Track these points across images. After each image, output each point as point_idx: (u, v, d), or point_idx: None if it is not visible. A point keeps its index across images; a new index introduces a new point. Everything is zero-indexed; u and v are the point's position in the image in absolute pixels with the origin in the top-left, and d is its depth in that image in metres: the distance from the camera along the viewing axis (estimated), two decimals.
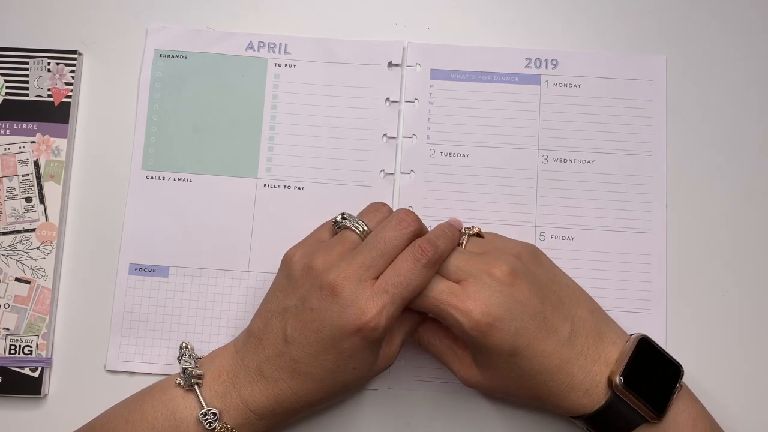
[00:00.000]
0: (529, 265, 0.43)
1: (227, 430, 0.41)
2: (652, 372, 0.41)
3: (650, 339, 0.43)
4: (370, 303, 0.40)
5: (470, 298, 0.40)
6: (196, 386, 0.42)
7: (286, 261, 0.44)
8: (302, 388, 0.41)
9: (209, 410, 0.41)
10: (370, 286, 0.40)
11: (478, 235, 0.46)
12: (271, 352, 0.42)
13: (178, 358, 0.44)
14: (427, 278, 0.41)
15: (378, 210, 0.46)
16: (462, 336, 0.42)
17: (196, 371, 0.42)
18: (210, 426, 0.41)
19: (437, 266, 0.42)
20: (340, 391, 0.43)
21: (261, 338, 0.43)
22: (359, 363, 0.41)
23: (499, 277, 0.41)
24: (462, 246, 0.45)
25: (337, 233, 0.45)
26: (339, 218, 0.45)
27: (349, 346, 0.40)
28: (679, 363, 0.43)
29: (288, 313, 0.42)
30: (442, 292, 0.41)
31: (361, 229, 0.44)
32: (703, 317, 0.51)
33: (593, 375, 0.41)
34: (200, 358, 0.44)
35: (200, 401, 0.41)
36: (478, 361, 0.43)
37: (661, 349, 0.43)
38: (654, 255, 0.52)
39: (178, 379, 0.43)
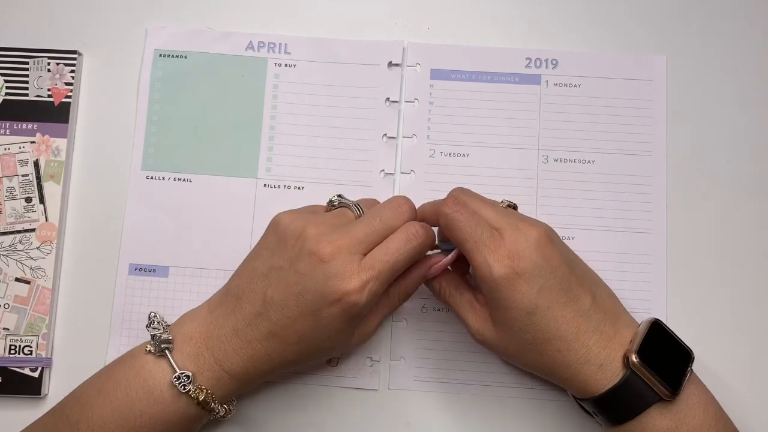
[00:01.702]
0: (559, 240, 0.44)
1: (201, 390, 0.42)
2: (665, 353, 0.42)
3: (662, 322, 0.43)
4: (355, 276, 0.40)
5: (505, 246, 0.41)
6: (166, 351, 0.42)
7: (278, 223, 0.44)
8: (276, 350, 0.42)
9: (182, 373, 0.41)
10: (358, 260, 0.41)
11: (515, 208, 0.47)
12: (248, 312, 0.42)
13: (147, 325, 0.43)
14: (412, 259, 0.42)
15: (377, 202, 0.47)
16: (484, 282, 0.42)
17: (165, 336, 0.43)
18: (184, 389, 0.41)
19: (424, 252, 0.43)
20: (311, 357, 0.44)
21: (240, 297, 0.43)
22: (334, 334, 0.42)
23: (536, 236, 0.42)
24: None
25: (330, 210, 0.46)
26: (335, 197, 0.46)
27: (327, 316, 0.41)
28: (689, 348, 0.43)
29: (272, 274, 0.42)
30: (483, 230, 0.42)
31: (357, 210, 0.45)
32: (703, 317, 0.51)
33: (608, 351, 0.41)
34: (169, 325, 0.44)
35: (172, 365, 0.42)
36: (495, 318, 0.43)
37: (673, 333, 0.43)
38: (654, 255, 0.52)
39: (148, 346, 0.43)
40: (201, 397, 0.41)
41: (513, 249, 0.41)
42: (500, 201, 0.46)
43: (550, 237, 0.42)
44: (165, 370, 0.42)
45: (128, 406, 0.41)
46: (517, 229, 0.42)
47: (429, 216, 0.46)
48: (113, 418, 0.41)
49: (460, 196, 0.45)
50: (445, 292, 0.46)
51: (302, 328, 0.41)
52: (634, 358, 0.40)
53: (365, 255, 0.42)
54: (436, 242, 0.46)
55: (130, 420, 0.41)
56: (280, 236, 0.43)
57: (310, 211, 0.46)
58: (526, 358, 0.44)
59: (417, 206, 0.46)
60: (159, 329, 0.43)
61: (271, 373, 0.44)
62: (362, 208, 0.45)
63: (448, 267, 0.47)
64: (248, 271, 0.44)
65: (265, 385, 0.50)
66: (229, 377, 0.42)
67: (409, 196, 0.45)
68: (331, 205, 0.46)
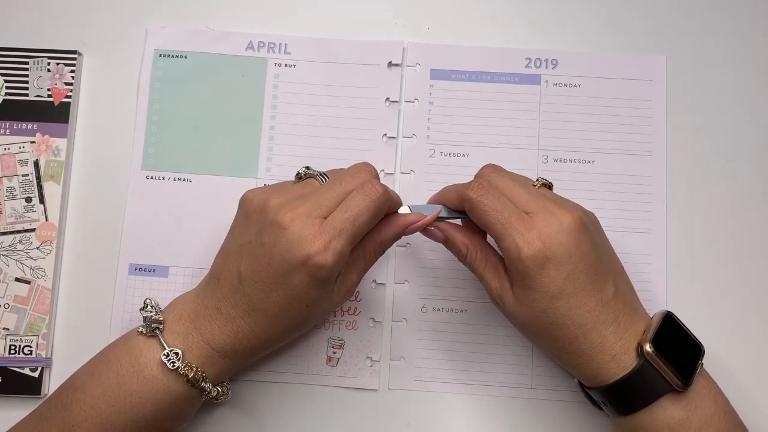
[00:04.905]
0: (592, 225, 0.44)
1: (191, 368, 0.42)
2: (677, 344, 0.42)
3: (674, 315, 0.43)
4: (317, 238, 0.40)
5: (536, 228, 0.41)
6: (157, 331, 0.43)
7: (244, 199, 0.44)
8: (258, 324, 0.42)
9: (171, 350, 0.42)
10: (318, 223, 0.41)
11: (550, 187, 0.46)
12: (227, 290, 0.43)
13: (140, 309, 0.44)
14: (374, 216, 0.42)
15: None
16: (512, 263, 0.42)
17: (156, 317, 0.43)
18: (173, 366, 0.41)
19: (384, 207, 0.43)
20: (297, 328, 0.44)
21: (219, 277, 0.43)
22: (312, 301, 0.42)
23: (569, 221, 0.41)
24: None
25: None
26: (302, 169, 0.46)
27: (298, 283, 0.41)
28: (700, 342, 0.43)
29: (243, 250, 0.42)
30: (511, 213, 0.42)
31: (322, 179, 0.44)
32: (703, 317, 0.51)
33: (623, 342, 0.41)
34: (161, 309, 0.45)
35: (162, 344, 0.42)
36: (518, 295, 0.43)
37: (684, 325, 0.43)
38: (654, 255, 0.52)
39: (140, 327, 0.43)
40: (190, 375, 0.42)
41: (544, 233, 0.41)
42: (535, 179, 0.46)
43: (583, 222, 0.42)
44: (155, 349, 0.42)
45: (119, 386, 0.42)
46: (550, 212, 0.42)
47: (451, 199, 0.45)
48: (104, 398, 0.41)
49: (487, 176, 0.44)
50: (472, 255, 0.45)
51: (278, 298, 0.41)
52: (648, 347, 0.40)
53: (326, 218, 0.41)
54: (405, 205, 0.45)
55: (120, 399, 0.41)
56: (246, 212, 0.44)
57: (278, 185, 0.46)
58: (539, 338, 0.44)
59: (435, 194, 0.46)
60: (152, 312, 0.43)
61: (260, 349, 0.44)
62: (327, 177, 0.45)
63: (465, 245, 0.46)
64: (224, 250, 0.45)
65: (264, 384, 0.50)
66: (218, 355, 0.43)
67: (409, 197, 0.45)
68: (298, 178, 0.46)
